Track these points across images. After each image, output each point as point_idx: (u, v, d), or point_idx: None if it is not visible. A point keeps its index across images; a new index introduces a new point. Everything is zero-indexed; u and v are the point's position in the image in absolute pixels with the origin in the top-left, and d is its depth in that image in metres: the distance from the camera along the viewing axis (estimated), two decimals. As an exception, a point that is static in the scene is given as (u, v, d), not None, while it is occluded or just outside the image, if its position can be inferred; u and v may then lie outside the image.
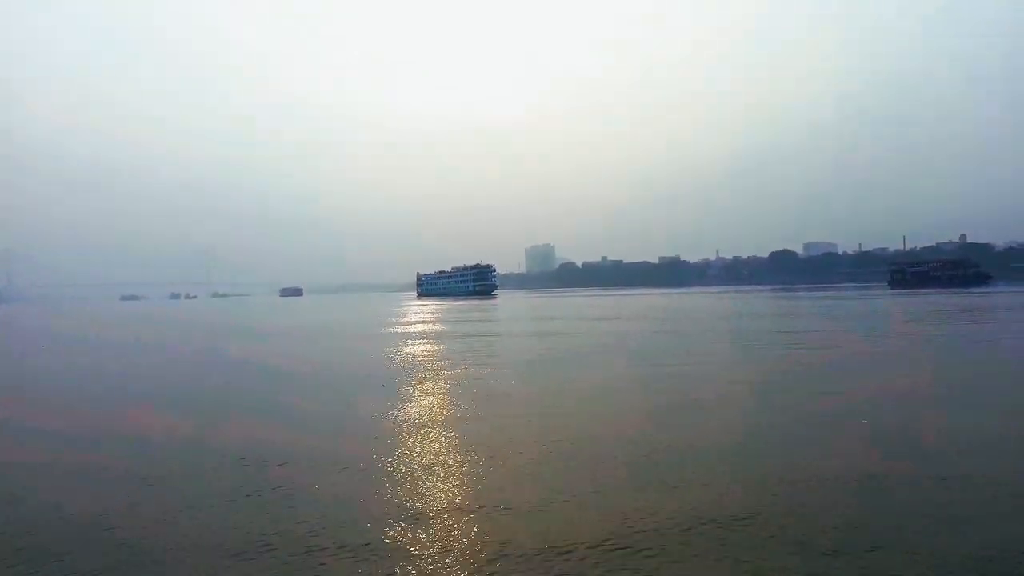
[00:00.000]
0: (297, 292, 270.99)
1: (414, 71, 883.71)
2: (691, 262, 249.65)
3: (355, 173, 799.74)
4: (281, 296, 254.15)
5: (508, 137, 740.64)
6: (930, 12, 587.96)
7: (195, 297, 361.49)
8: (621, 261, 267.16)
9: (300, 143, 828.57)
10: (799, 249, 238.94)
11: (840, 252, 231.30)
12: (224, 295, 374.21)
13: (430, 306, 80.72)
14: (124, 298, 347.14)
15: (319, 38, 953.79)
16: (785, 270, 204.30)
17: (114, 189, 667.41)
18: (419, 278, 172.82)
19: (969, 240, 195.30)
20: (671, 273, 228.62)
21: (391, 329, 36.93)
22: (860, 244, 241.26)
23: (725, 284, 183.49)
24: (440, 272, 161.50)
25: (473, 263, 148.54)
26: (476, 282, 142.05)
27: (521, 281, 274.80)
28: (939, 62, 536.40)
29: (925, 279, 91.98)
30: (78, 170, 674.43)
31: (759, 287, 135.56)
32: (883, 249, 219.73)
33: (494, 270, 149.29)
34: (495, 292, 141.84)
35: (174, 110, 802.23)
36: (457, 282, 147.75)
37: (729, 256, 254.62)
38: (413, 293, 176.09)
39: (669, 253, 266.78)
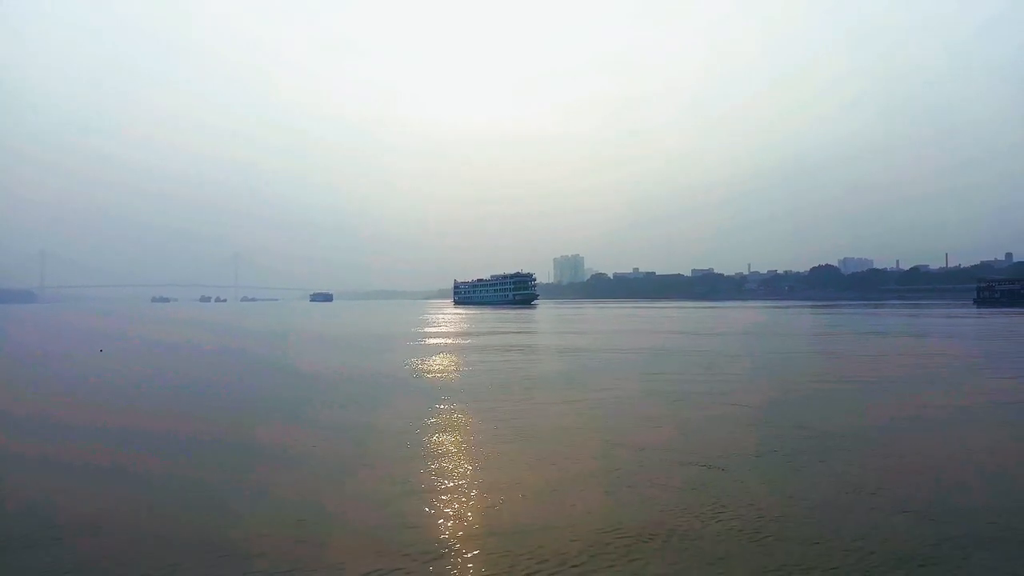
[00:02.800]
0: (327, 298, 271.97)
1: (446, 81, 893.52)
2: (725, 275, 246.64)
3: (384, 179, 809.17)
4: (311, 301, 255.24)
5: (537, 147, 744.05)
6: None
7: (225, 300, 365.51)
8: (653, 272, 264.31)
9: (330, 149, 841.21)
10: (835, 264, 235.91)
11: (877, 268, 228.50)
12: (253, 299, 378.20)
13: (481, 315, 76.61)
14: (155, 299, 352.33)
15: (353, 48, 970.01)
16: (827, 285, 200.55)
17: (142, 191, 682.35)
18: (456, 286, 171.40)
19: (1016, 259, 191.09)
20: (707, 286, 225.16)
21: (478, 340, 35.72)
22: (898, 261, 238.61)
23: (764, 299, 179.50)
24: (478, 280, 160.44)
25: (513, 271, 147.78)
26: (516, 291, 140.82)
27: (549, 291, 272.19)
28: (973, 83, 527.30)
29: (1016, 297, 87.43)
30: (107, 172, 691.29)
31: (801, 302, 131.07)
32: (925, 266, 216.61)
33: (534, 279, 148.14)
34: (535, 302, 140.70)
35: (206, 112, 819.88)
36: (496, 290, 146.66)
37: (763, 270, 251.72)
38: (444, 301, 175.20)
39: (700, 266, 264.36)
